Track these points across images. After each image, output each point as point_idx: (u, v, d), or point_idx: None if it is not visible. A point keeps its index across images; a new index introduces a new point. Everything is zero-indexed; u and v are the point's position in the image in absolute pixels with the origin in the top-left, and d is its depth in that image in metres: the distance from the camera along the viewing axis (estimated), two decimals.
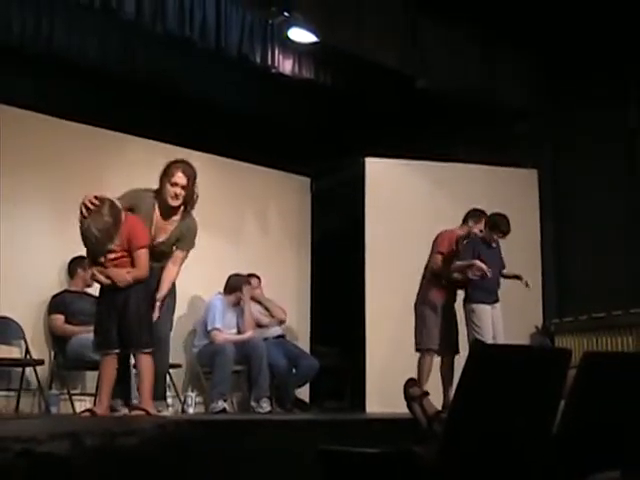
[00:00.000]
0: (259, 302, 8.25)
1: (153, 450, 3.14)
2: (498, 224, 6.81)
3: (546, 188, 8.78)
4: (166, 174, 5.72)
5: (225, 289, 7.90)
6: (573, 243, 8.50)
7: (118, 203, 5.32)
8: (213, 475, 3.40)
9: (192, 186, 5.74)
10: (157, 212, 5.72)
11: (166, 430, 3.33)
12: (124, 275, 5.34)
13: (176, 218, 5.75)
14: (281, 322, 8.36)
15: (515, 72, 8.71)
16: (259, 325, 8.05)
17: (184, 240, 5.75)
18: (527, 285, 6.75)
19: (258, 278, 8.41)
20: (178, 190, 5.66)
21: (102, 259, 5.32)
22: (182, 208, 5.77)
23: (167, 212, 5.73)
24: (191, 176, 5.74)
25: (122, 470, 2.96)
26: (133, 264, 5.39)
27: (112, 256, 5.34)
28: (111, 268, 5.34)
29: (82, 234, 5.19)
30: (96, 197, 5.26)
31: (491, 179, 8.45)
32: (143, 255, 5.43)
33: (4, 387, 7.20)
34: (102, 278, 5.38)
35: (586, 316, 7.91)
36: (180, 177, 5.69)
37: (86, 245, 5.27)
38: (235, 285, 7.88)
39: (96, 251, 5.30)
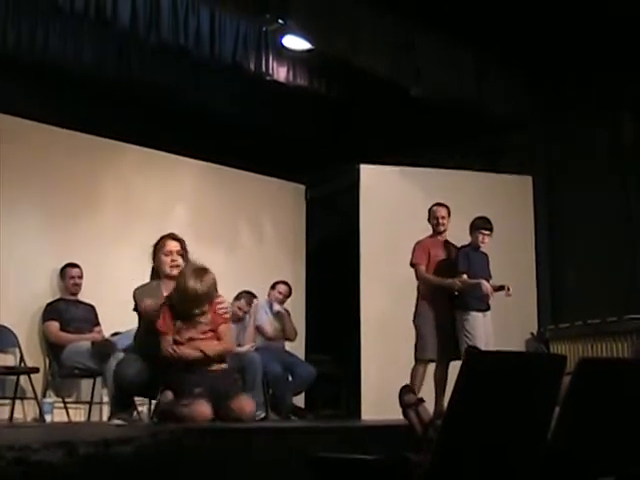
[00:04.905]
0: (277, 313, 8.18)
1: (147, 458, 3.13)
2: (478, 224, 6.87)
3: (540, 195, 8.79)
4: (158, 248, 5.73)
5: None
6: (568, 249, 8.50)
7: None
8: None
9: (186, 252, 5.75)
10: (165, 292, 5.60)
11: (160, 438, 3.32)
12: (215, 345, 5.35)
13: None
14: (288, 340, 8.33)
15: (509, 80, 8.73)
16: (268, 338, 7.99)
17: None
18: (508, 290, 6.74)
19: (288, 285, 8.37)
20: (174, 256, 5.68)
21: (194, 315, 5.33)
22: None
23: (172, 285, 5.60)
24: (182, 241, 5.77)
25: (116, 478, 2.96)
26: (218, 339, 5.41)
27: (205, 328, 5.35)
28: (198, 341, 5.31)
29: (184, 288, 5.22)
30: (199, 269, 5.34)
31: (486, 186, 8.45)
32: (228, 330, 5.53)
33: None
34: (190, 352, 5.27)
35: (581, 322, 7.92)
36: (172, 244, 5.71)
37: (184, 299, 5.26)
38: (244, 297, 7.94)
39: (191, 305, 5.29)
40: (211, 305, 5.34)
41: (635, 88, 7.94)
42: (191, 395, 5.16)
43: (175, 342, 5.25)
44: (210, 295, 5.29)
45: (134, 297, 5.56)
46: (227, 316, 5.57)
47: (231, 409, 5.21)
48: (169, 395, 5.27)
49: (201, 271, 5.27)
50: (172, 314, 5.28)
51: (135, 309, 5.56)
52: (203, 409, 5.10)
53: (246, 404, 5.34)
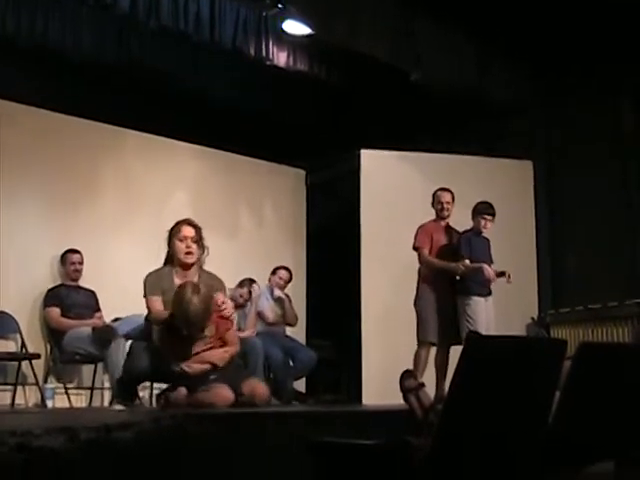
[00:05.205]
0: (278, 298, 8.19)
1: (148, 443, 3.14)
2: (481, 209, 6.88)
3: (541, 179, 8.78)
4: (173, 233, 5.62)
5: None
6: (568, 234, 8.50)
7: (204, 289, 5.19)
8: (208, 468, 3.40)
9: (202, 239, 5.65)
10: (176, 279, 5.56)
11: (161, 423, 3.33)
12: (222, 354, 5.32)
13: (194, 278, 5.57)
14: (288, 325, 8.34)
15: (509, 65, 8.69)
16: (269, 323, 8.01)
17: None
18: (509, 277, 6.74)
19: (288, 271, 8.38)
20: (189, 243, 5.56)
21: (199, 336, 5.24)
22: (196, 267, 5.66)
23: (184, 273, 5.60)
24: (198, 228, 5.66)
25: (118, 463, 2.96)
26: (223, 344, 5.38)
27: (210, 339, 5.31)
28: (204, 353, 5.27)
29: (182, 313, 5.06)
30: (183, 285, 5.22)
31: (486, 171, 8.45)
32: (232, 333, 5.48)
33: (0, 381, 7.20)
34: (199, 366, 5.23)
35: (582, 307, 7.92)
36: (188, 230, 5.59)
37: (184, 322, 5.08)
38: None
39: (194, 327, 5.15)
40: (211, 315, 5.23)
41: (636, 76, 7.91)
42: (208, 382, 5.17)
43: (183, 358, 5.23)
44: (208, 310, 5.15)
45: (144, 285, 5.50)
46: (233, 319, 5.52)
47: (243, 394, 5.22)
48: (182, 391, 5.27)
49: (196, 292, 5.09)
50: (174, 333, 5.18)
51: (145, 296, 5.52)
52: (225, 393, 5.11)
53: (258, 387, 5.36)
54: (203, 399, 5.07)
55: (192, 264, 5.61)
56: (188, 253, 5.56)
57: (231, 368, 5.39)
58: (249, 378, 5.46)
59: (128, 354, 5.68)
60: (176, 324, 5.09)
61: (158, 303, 5.42)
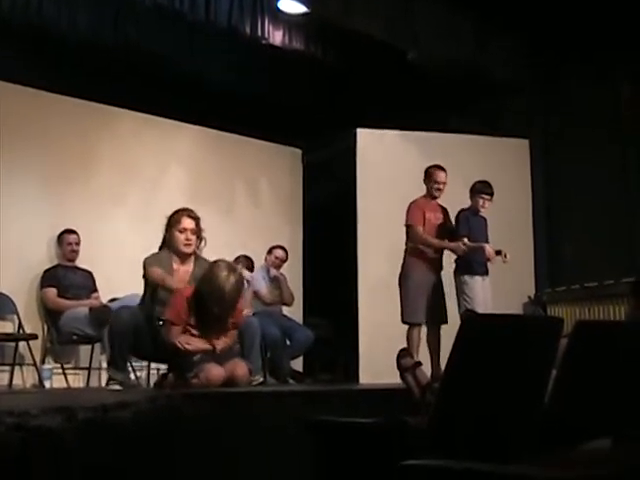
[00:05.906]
0: (274, 278, 8.19)
1: (145, 423, 3.15)
2: (479, 188, 6.83)
3: (537, 158, 8.77)
4: (172, 223, 5.68)
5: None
6: (565, 212, 8.50)
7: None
8: (205, 447, 3.41)
9: (200, 230, 5.73)
10: (174, 265, 5.66)
11: (158, 403, 3.34)
12: (224, 343, 5.35)
13: (190, 264, 5.71)
14: (285, 305, 8.35)
15: (507, 44, 8.66)
16: (265, 303, 8.01)
17: None
18: (505, 257, 6.72)
19: (284, 250, 8.37)
20: (189, 235, 5.64)
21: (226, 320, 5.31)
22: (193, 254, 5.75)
23: (181, 260, 5.70)
24: (197, 219, 5.73)
25: (115, 443, 2.97)
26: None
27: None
28: (211, 337, 5.30)
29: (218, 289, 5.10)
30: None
31: (482, 149, 8.43)
32: (235, 331, 5.50)
33: None
34: (197, 345, 5.25)
35: (578, 285, 7.92)
36: (188, 222, 5.66)
37: (218, 300, 5.14)
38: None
39: (227, 305, 5.22)
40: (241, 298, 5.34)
41: (634, 63, 7.88)
42: (193, 365, 5.17)
43: (189, 333, 5.24)
44: (240, 292, 5.27)
45: (144, 265, 5.56)
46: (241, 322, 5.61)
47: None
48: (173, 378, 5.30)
49: (232, 272, 5.15)
50: (191, 308, 5.21)
51: (144, 276, 5.55)
52: (216, 371, 5.13)
53: (238, 367, 5.35)
54: (196, 385, 5.07)
55: (190, 254, 5.70)
56: (187, 245, 5.64)
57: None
58: (232, 358, 5.47)
59: (116, 310, 5.74)
60: (205, 302, 5.13)
61: (159, 271, 5.51)
